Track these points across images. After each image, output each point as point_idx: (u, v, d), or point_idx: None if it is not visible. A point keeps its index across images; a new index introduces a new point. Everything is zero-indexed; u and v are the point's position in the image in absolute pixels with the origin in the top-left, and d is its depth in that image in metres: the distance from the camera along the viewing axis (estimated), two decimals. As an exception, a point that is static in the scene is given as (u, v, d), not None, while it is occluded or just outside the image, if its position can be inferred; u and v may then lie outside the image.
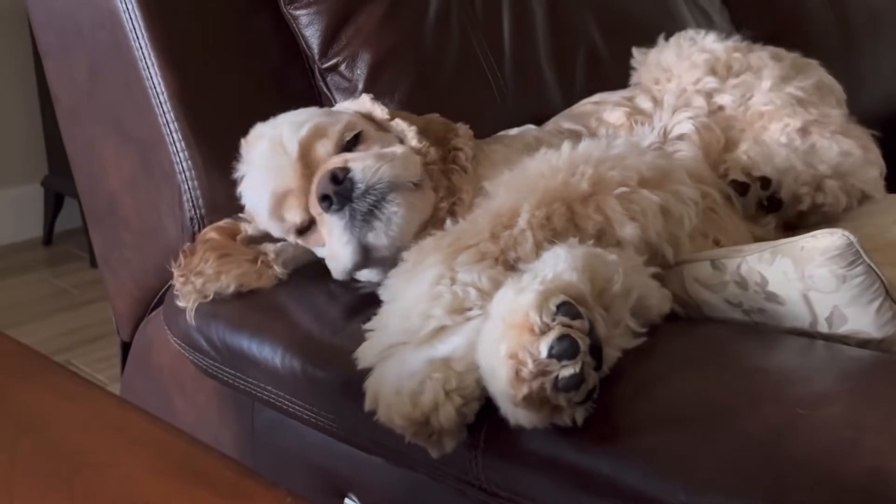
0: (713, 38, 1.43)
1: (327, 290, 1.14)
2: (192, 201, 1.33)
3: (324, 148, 1.12)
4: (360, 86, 1.38)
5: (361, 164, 1.06)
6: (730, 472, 0.71)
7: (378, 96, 1.38)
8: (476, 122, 1.30)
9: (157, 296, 1.41)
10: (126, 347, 1.53)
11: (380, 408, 0.86)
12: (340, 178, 1.06)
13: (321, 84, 1.41)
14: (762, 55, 1.42)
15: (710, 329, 0.92)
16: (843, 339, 0.92)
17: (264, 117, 1.40)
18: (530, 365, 0.77)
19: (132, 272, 1.45)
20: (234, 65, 1.39)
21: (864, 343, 0.91)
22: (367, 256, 1.08)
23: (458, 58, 1.44)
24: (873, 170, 1.38)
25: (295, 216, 1.13)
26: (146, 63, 1.32)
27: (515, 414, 0.80)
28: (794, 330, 0.93)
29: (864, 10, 2.10)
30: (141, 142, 1.37)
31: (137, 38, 1.32)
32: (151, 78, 1.33)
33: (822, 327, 0.93)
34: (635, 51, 1.50)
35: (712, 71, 1.37)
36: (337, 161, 1.09)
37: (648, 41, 1.50)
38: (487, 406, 0.84)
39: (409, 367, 0.86)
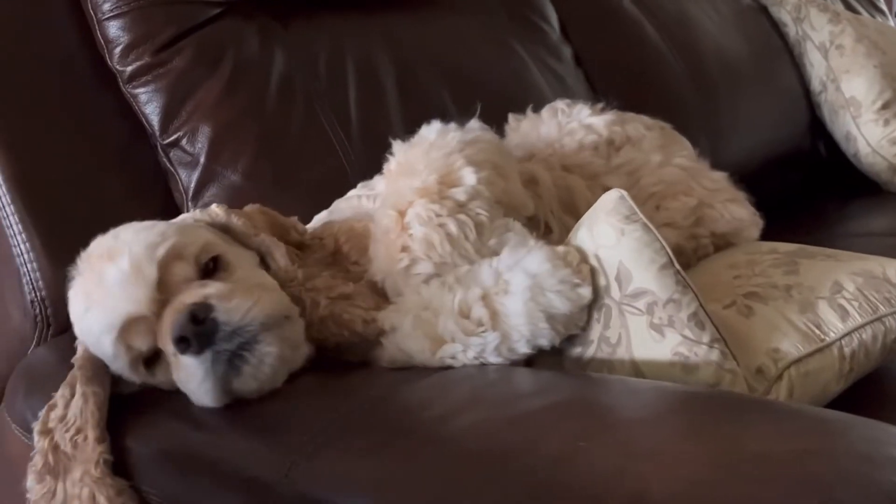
0: (587, 110, 1.41)
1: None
2: (32, 284, 1.31)
3: (182, 272, 0.98)
4: (202, 159, 1.39)
5: (227, 304, 0.93)
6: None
7: (220, 168, 1.40)
8: (323, 191, 1.30)
9: (5, 383, 1.38)
10: (-21, 439, 1.49)
11: None
12: (201, 318, 0.92)
13: (164, 160, 1.41)
14: (637, 126, 1.40)
15: (501, 369, 0.92)
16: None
17: (109, 196, 1.40)
18: None
19: (-22, 362, 1.42)
20: (76, 145, 1.39)
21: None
22: (230, 397, 0.96)
23: (303, 128, 1.45)
24: (755, 230, 1.39)
25: (142, 344, 0.98)
26: (-20, 147, 1.31)
27: None
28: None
29: (719, 64, 2.12)
30: (-22, 229, 1.36)
31: (-29, 121, 1.32)
32: (-14, 162, 1.32)
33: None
34: (511, 117, 1.48)
35: (596, 151, 1.35)
36: (195, 296, 0.95)
37: (501, 108, 1.50)
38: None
39: None
